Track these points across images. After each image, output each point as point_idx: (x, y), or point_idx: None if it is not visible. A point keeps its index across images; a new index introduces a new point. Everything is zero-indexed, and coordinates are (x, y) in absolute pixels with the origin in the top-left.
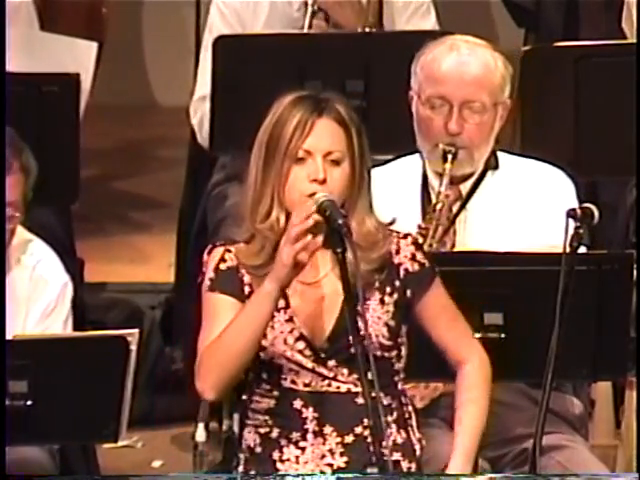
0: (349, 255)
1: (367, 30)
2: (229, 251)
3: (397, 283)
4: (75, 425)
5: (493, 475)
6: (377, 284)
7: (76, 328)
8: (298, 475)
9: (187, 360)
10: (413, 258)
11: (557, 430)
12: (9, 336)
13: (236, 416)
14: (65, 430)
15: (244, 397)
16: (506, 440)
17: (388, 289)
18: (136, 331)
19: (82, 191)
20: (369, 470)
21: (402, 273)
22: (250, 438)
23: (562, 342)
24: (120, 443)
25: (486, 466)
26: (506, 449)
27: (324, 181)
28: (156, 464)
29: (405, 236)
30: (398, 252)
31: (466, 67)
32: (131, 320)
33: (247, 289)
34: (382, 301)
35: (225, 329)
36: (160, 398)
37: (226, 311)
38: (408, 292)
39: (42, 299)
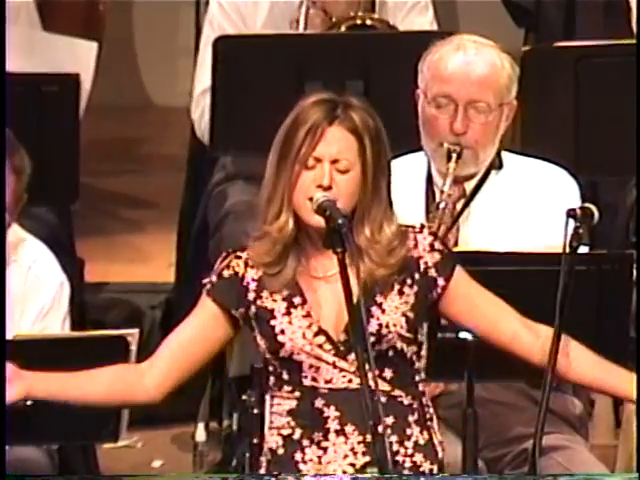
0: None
1: (360, 18)
2: (238, 257)
3: (417, 276)
4: (75, 425)
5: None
6: (396, 276)
7: (76, 328)
8: (315, 475)
9: None
10: (432, 248)
11: (557, 430)
12: (8, 336)
13: (236, 415)
14: (65, 430)
15: (253, 394)
16: (506, 440)
17: (409, 281)
18: (136, 331)
19: (82, 191)
20: (369, 470)
21: (422, 266)
22: (272, 440)
23: None
24: (120, 443)
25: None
26: (506, 449)
27: (329, 187)
28: (156, 464)
29: (421, 230)
30: (416, 246)
31: (472, 67)
32: (131, 320)
33: (252, 295)
34: (401, 292)
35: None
36: None
37: (207, 318)
38: (437, 281)
39: (38, 299)
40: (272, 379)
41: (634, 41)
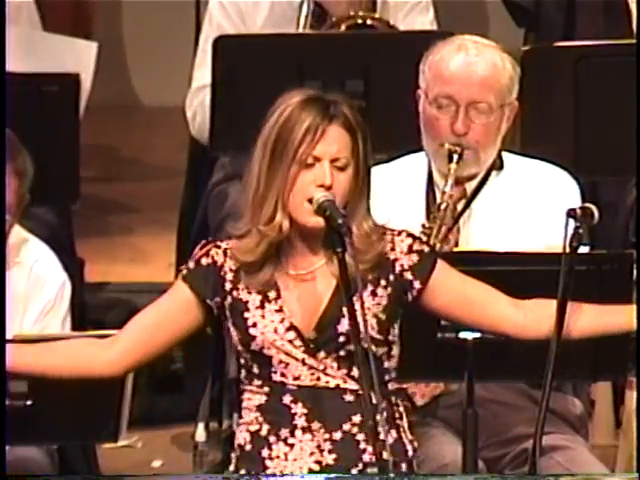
0: (348, 255)
1: (361, 17)
2: (218, 247)
3: (391, 277)
4: (75, 425)
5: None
6: (370, 277)
7: (76, 328)
8: (294, 475)
9: (187, 360)
10: (410, 251)
11: (557, 430)
12: (8, 336)
13: (236, 416)
14: (65, 430)
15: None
16: (506, 440)
17: (383, 282)
18: None
19: (82, 191)
20: (369, 470)
21: (397, 269)
22: (241, 436)
23: (562, 342)
24: (120, 443)
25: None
26: (506, 449)
27: (330, 187)
28: (156, 464)
29: (399, 233)
30: (393, 249)
31: (473, 67)
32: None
33: (228, 286)
34: (374, 293)
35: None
36: (160, 398)
37: (179, 302)
38: (413, 283)
39: (40, 298)
40: (244, 372)
41: (634, 41)
